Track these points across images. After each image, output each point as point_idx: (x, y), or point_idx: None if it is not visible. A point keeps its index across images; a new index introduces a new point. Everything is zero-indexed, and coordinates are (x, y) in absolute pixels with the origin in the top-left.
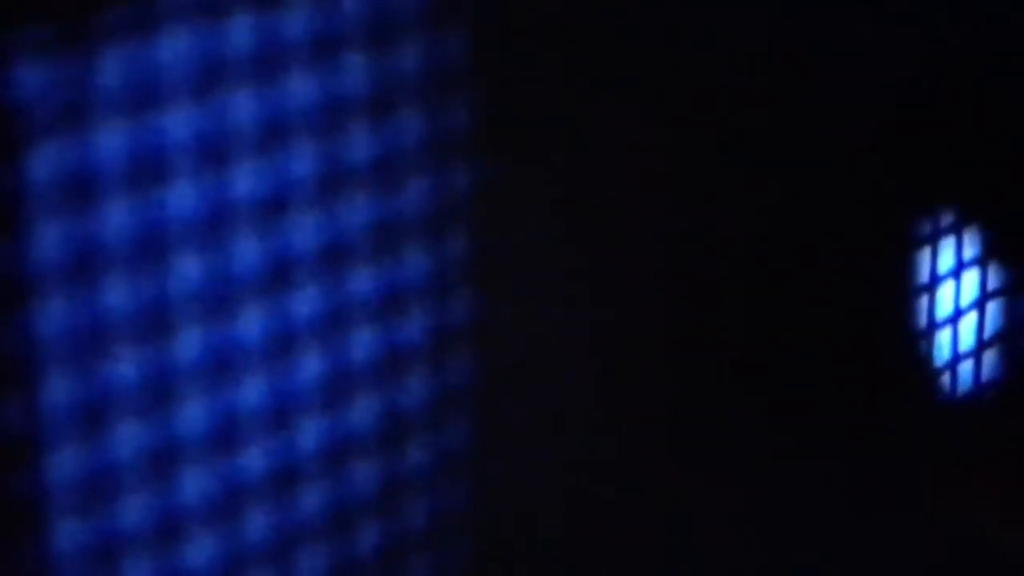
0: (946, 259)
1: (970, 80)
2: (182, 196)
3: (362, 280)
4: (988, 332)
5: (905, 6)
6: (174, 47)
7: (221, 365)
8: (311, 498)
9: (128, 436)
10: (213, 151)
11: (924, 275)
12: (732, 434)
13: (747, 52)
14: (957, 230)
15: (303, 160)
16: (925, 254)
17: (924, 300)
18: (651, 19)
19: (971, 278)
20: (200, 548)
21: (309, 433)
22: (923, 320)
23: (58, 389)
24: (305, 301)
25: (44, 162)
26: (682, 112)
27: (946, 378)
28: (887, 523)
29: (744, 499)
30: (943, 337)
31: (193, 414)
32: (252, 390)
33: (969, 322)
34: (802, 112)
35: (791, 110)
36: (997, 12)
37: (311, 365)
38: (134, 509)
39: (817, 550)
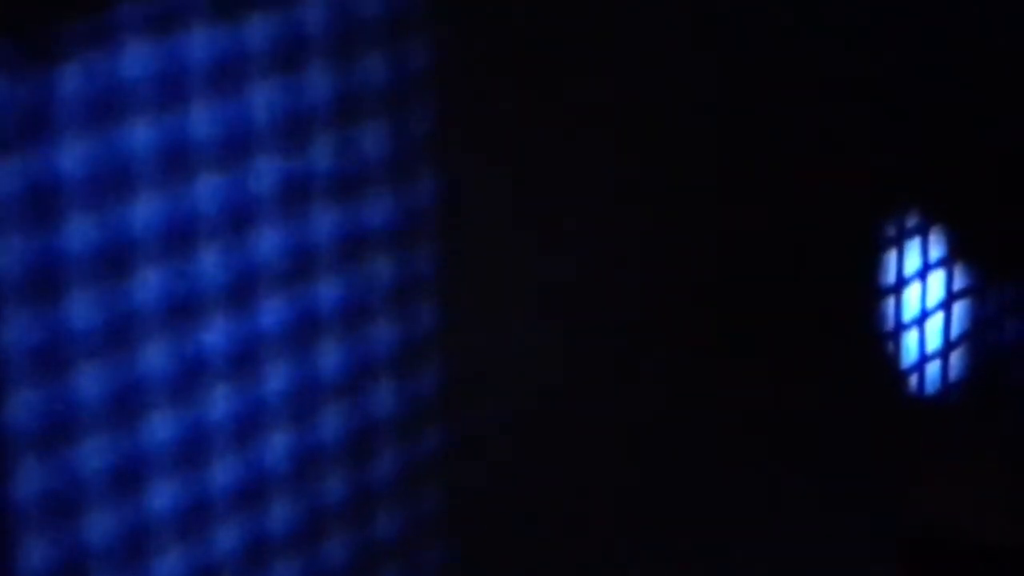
0: (912, 260)
1: (935, 82)
2: (146, 208)
3: (329, 291)
4: (955, 333)
5: (868, 12)
6: (135, 60)
7: (188, 377)
8: (280, 510)
9: (95, 450)
10: (176, 163)
11: (891, 276)
12: (704, 440)
13: (715, 53)
14: (923, 231)
15: (268, 171)
16: (891, 255)
17: (891, 301)
18: (615, 25)
19: (937, 279)
20: (168, 561)
21: (278, 444)
22: (890, 321)
23: (23, 403)
24: (272, 312)
25: (5, 175)
26: (648, 116)
27: (913, 379)
28: (856, 522)
29: (717, 499)
30: (910, 338)
31: (160, 427)
32: (220, 402)
33: (936, 323)
34: (769, 114)
35: (757, 112)
36: (960, 16)
37: (279, 376)
38: (101, 523)
39: (787, 546)
